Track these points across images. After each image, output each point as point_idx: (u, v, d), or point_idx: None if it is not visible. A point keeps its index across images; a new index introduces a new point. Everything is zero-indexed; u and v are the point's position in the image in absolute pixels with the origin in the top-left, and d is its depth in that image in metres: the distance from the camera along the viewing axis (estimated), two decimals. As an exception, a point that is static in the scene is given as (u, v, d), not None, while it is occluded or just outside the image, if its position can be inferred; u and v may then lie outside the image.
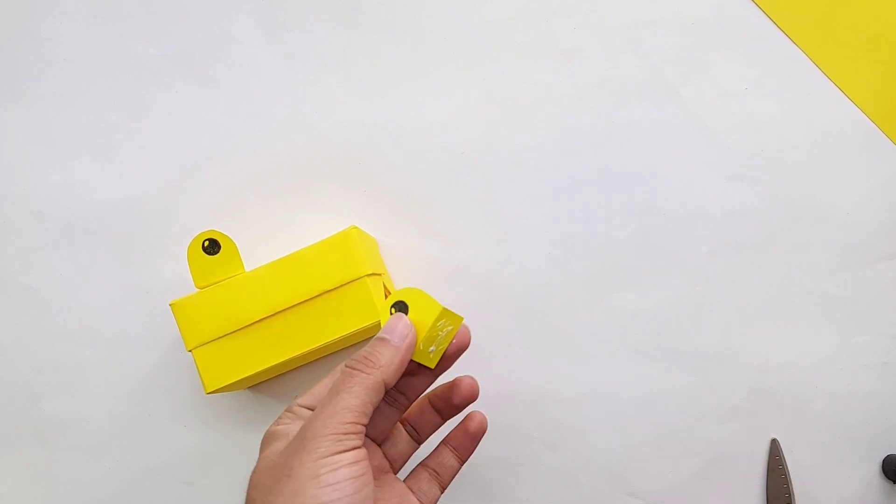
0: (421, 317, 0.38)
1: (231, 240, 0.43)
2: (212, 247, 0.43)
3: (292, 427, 0.36)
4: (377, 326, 0.43)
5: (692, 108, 0.48)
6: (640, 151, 0.48)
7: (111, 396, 0.49)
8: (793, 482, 0.48)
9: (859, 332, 0.49)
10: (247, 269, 0.43)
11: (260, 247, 0.48)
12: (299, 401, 0.37)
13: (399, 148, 0.49)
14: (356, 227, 0.44)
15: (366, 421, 0.34)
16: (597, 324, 0.48)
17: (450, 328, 0.38)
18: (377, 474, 0.38)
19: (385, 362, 0.35)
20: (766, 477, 0.49)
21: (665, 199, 0.49)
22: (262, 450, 0.36)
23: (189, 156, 0.49)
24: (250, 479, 0.35)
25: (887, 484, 0.49)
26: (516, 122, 0.49)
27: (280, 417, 0.37)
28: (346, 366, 0.36)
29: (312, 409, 0.37)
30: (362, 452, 0.33)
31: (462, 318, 0.38)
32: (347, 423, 0.33)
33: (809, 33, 0.48)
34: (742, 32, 0.48)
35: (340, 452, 0.33)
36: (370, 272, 0.43)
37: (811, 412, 0.49)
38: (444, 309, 0.38)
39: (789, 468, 0.48)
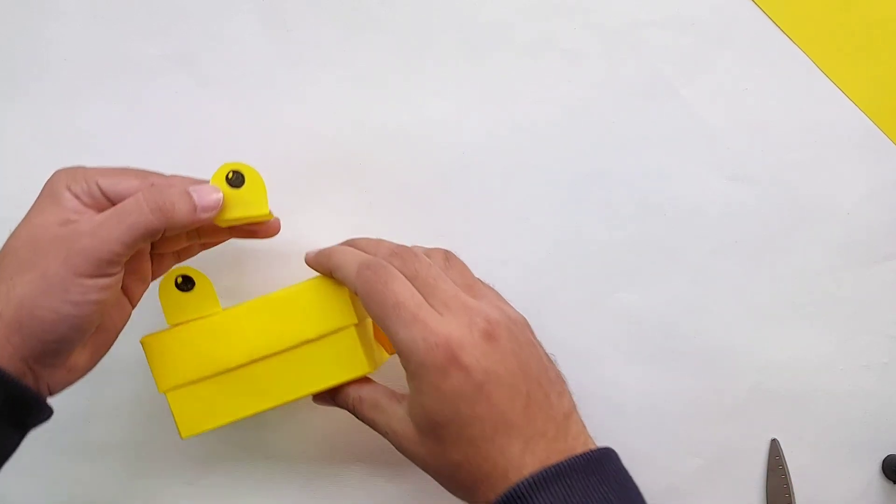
0: (247, 198, 0.39)
1: (205, 277, 0.41)
2: (185, 283, 0.41)
3: (76, 210, 0.36)
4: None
5: (692, 107, 0.48)
6: (640, 151, 0.48)
7: (110, 396, 0.49)
8: (793, 482, 0.48)
9: (860, 332, 0.49)
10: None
11: (259, 246, 0.48)
12: (100, 180, 0.37)
13: (399, 148, 0.49)
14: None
15: (129, 254, 0.36)
16: (597, 324, 0.48)
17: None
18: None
19: (177, 221, 0.37)
20: (766, 477, 0.49)
21: (665, 199, 0.49)
22: (44, 200, 0.37)
23: (189, 156, 0.49)
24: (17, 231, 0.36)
25: (887, 484, 0.49)
26: (517, 121, 0.49)
27: (74, 180, 0.37)
28: (143, 197, 0.36)
29: (101, 199, 0.37)
30: (115, 279, 0.36)
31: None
32: (114, 253, 0.35)
33: (809, 33, 0.48)
34: (742, 32, 0.48)
35: (95, 277, 0.35)
36: (357, 321, 0.40)
37: (811, 412, 0.49)
38: (270, 213, 0.40)
39: (789, 468, 0.48)
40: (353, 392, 0.40)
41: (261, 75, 0.49)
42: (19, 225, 0.37)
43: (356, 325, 0.40)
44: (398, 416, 0.38)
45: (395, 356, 0.39)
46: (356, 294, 0.37)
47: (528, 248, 0.49)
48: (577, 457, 0.34)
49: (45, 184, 0.38)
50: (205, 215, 0.38)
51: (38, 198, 0.37)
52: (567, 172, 0.49)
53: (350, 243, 0.42)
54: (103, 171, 0.38)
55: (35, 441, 0.49)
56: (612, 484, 0.34)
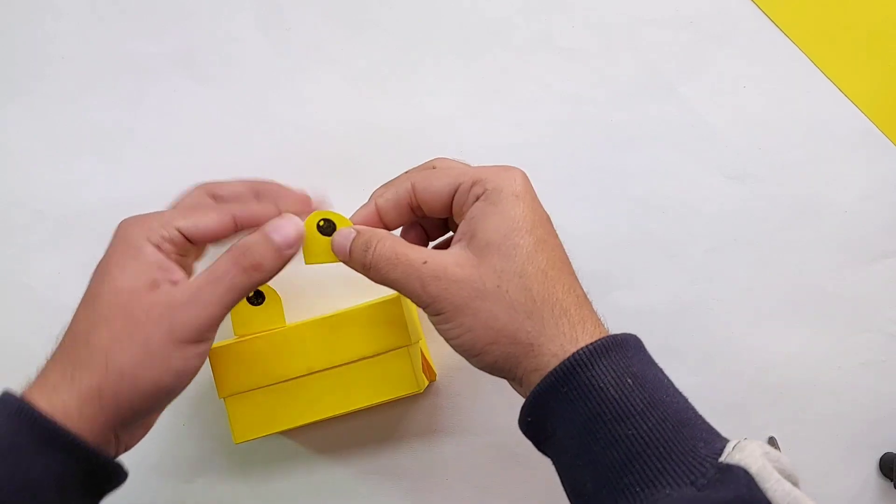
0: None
1: (276, 292, 0.43)
2: (256, 297, 0.43)
3: (161, 265, 0.35)
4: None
5: (691, 106, 0.48)
6: (638, 149, 0.49)
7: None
8: (791, 479, 0.48)
9: (858, 329, 0.49)
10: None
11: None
12: (179, 224, 0.36)
13: (397, 145, 0.49)
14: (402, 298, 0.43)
15: (223, 319, 0.36)
16: (596, 322, 0.48)
17: None
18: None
19: (268, 272, 0.37)
20: (764, 474, 0.49)
21: (664, 197, 0.49)
22: (122, 256, 0.35)
23: (188, 154, 0.49)
24: (103, 282, 0.35)
25: (884, 481, 0.49)
26: (514, 119, 0.49)
27: (151, 229, 0.36)
28: (231, 260, 0.36)
29: (183, 243, 0.36)
30: (212, 341, 0.36)
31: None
32: (214, 318, 0.35)
33: (808, 32, 0.48)
34: (740, 31, 0.48)
35: (196, 343, 0.35)
36: (413, 342, 0.42)
37: (809, 410, 0.49)
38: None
39: (787, 465, 0.48)
40: (386, 236, 0.37)
41: (260, 74, 0.49)
42: (100, 284, 0.36)
43: (409, 346, 0.42)
44: (443, 251, 0.36)
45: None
46: (412, 187, 0.38)
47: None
48: (625, 334, 0.35)
49: (117, 236, 0.37)
50: (290, 251, 0.37)
51: (113, 252, 0.36)
52: (565, 170, 0.49)
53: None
54: (178, 213, 0.37)
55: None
56: (657, 366, 0.35)
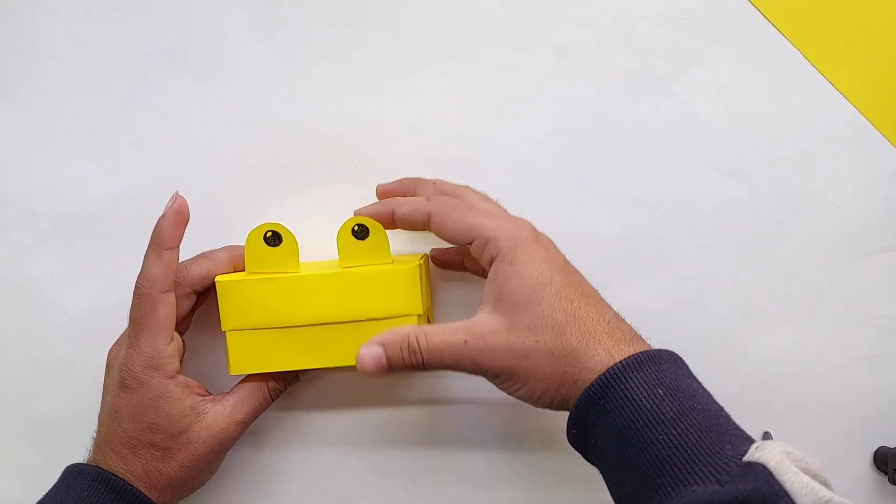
0: (372, 248, 0.43)
1: (293, 236, 0.43)
2: (274, 238, 0.43)
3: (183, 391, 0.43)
4: None
5: (684, 102, 0.48)
6: (632, 146, 0.49)
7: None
8: (785, 474, 0.49)
9: (851, 325, 0.49)
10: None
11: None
12: (170, 352, 0.42)
13: (392, 143, 0.49)
14: (425, 258, 0.45)
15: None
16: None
17: None
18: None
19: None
20: (758, 470, 0.49)
21: (657, 194, 0.49)
22: (141, 389, 0.41)
23: (181, 152, 0.49)
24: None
25: (879, 476, 0.49)
26: (509, 117, 0.49)
27: (156, 364, 0.41)
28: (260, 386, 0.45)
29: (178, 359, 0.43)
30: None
31: None
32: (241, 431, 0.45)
33: (800, 28, 0.48)
34: (734, 27, 0.48)
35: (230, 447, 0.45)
36: (422, 312, 0.43)
37: (803, 405, 0.49)
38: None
39: (782, 461, 0.49)
40: (412, 331, 0.39)
41: (253, 71, 0.49)
42: (133, 421, 0.41)
43: (419, 316, 0.43)
44: (476, 321, 0.39)
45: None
46: (428, 216, 0.41)
47: (522, 243, 0.49)
48: (659, 349, 0.38)
49: (129, 380, 0.42)
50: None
51: (135, 393, 0.42)
52: (559, 167, 0.49)
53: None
54: (155, 335, 0.41)
55: (28, 440, 0.50)
56: (692, 377, 0.38)
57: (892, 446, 0.48)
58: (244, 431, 0.44)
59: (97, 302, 0.49)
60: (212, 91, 0.49)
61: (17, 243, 0.49)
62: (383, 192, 0.46)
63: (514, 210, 0.49)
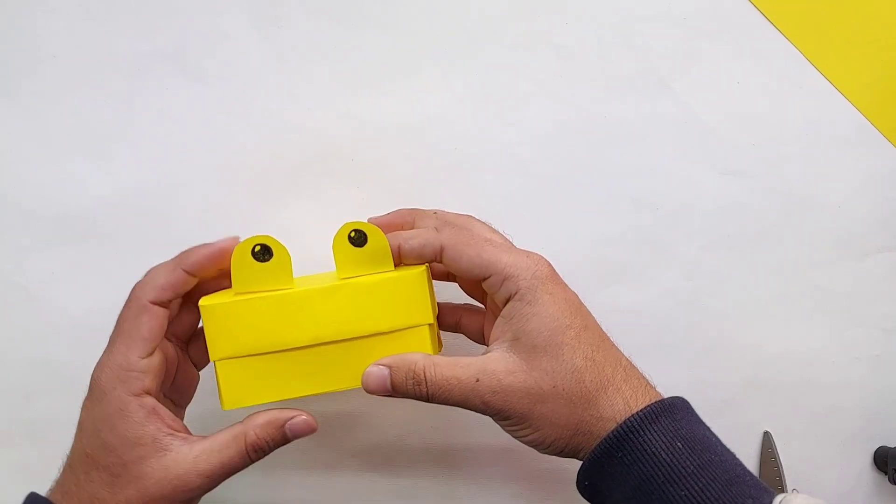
0: (370, 255, 0.39)
1: (285, 249, 0.38)
2: (263, 253, 0.38)
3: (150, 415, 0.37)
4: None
5: (685, 102, 0.48)
6: (632, 146, 0.49)
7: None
8: (785, 474, 0.49)
9: (851, 324, 0.49)
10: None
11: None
12: (148, 376, 0.37)
13: (391, 143, 0.49)
14: (427, 268, 0.40)
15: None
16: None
17: None
18: None
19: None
20: (759, 469, 0.49)
21: (657, 194, 0.49)
22: (112, 413, 0.37)
23: (181, 153, 0.49)
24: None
25: (879, 475, 0.49)
26: (509, 117, 0.49)
27: (127, 382, 0.37)
28: (245, 437, 0.38)
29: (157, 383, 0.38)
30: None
31: None
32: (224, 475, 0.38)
33: (800, 28, 0.48)
34: (733, 27, 0.48)
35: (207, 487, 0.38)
36: (433, 321, 0.39)
37: (804, 405, 0.49)
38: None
39: (782, 460, 0.49)
40: (421, 360, 0.37)
41: (252, 71, 0.49)
42: (90, 437, 0.38)
43: (430, 325, 0.39)
44: (490, 358, 0.37)
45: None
46: (440, 249, 0.39)
47: (521, 242, 0.49)
48: (672, 398, 0.37)
49: (94, 388, 0.38)
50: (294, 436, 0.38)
51: (96, 404, 0.38)
52: (559, 167, 0.49)
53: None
54: (129, 344, 0.38)
55: (27, 440, 0.50)
56: (704, 425, 0.37)
57: (893, 446, 0.48)
58: (210, 488, 0.37)
59: (97, 302, 0.49)
60: (211, 91, 0.49)
61: (16, 244, 0.49)
62: (377, 225, 0.42)
63: (514, 210, 0.49)
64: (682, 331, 0.49)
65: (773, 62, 0.48)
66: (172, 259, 0.39)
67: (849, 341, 0.49)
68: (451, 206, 0.48)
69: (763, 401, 0.49)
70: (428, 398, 0.37)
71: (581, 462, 0.37)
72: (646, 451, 0.35)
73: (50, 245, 0.49)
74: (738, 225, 0.49)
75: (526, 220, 0.49)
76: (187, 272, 0.38)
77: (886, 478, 0.48)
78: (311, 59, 0.49)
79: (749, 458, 0.49)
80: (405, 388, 0.37)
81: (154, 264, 0.46)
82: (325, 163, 0.49)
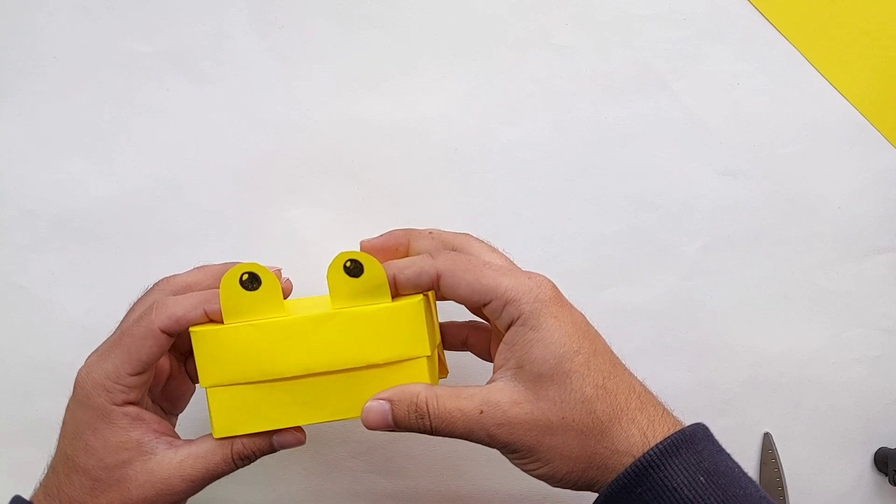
0: (367, 287, 0.37)
1: (274, 277, 0.37)
2: (251, 281, 0.37)
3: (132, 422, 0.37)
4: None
5: (684, 102, 0.48)
6: (632, 146, 0.49)
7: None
8: (785, 475, 0.49)
9: (851, 325, 0.49)
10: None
11: (252, 242, 0.48)
12: (126, 375, 0.37)
13: (391, 143, 0.49)
14: (426, 298, 0.39)
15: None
16: (589, 319, 0.48)
17: None
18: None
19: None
20: (759, 470, 0.49)
21: (657, 194, 0.49)
22: (94, 418, 0.36)
23: (181, 153, 0.49)
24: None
25: (879, 476, 0.49)
26: (508, 117, 0.49)
27: (105, 389, 0.37)
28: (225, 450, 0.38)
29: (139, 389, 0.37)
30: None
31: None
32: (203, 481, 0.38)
33: (800, 28, 0.48)
34: (733, 27, 0.48)
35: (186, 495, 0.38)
36: (430, 353, 0.38)
37: (804, 406, 0.49)
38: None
39: (782, 461, 0.49)
40: (423, 392, 0.36)
41: (252, 71, 0.49)
42: (72, 439, 0.37)
43: (428, 358, 0.38)
44: (494, 388, 0.35)
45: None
46: (437, 278, 0.37)
47: (520, 242, 0.49)
48: (692, 426, 0.35)
49: (78, 390, 0.37)
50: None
51: (80, 406, 0.37)
52: (559, 167, 0.49)
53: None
54: (125, 360, 0.37)
55: (28, 441, 0.50)
56: (725, 454, 0.35)
57: (893, 447, 0.48)
58: (194, 492, 0.37)
59: (97, 303, 0.49)
60: (211, 91, 0.49)
61: (17, 244, 0.49)
62: (370, 249, 0.41)
63: (514, 210, 0.49)
64: (681, 331, 0.49)
65: (773, 63, 0.48)
66: (200, 294, 0.37)
67: (849, 341, 0.49)
68: (452, 206, 0.49)
69: (763, 401, 0.49)
70: (431, 431, 0.35)
71: (597, 495, 0.35)
72: (667, 486, 0.33)
73: (50, 245, 0.49)
74: (738, 225, 0.49)
75: (526, 221, 0.49)
76: (208, 314, 0.37)
77: (887, 479, 0.48)
78: (310, 59, 0.49)
79: (749, 460, 0.49)
80: (408, 422, 0.35)
81: (154, 264, 0.46)
82: (326, 162, 0.49)
